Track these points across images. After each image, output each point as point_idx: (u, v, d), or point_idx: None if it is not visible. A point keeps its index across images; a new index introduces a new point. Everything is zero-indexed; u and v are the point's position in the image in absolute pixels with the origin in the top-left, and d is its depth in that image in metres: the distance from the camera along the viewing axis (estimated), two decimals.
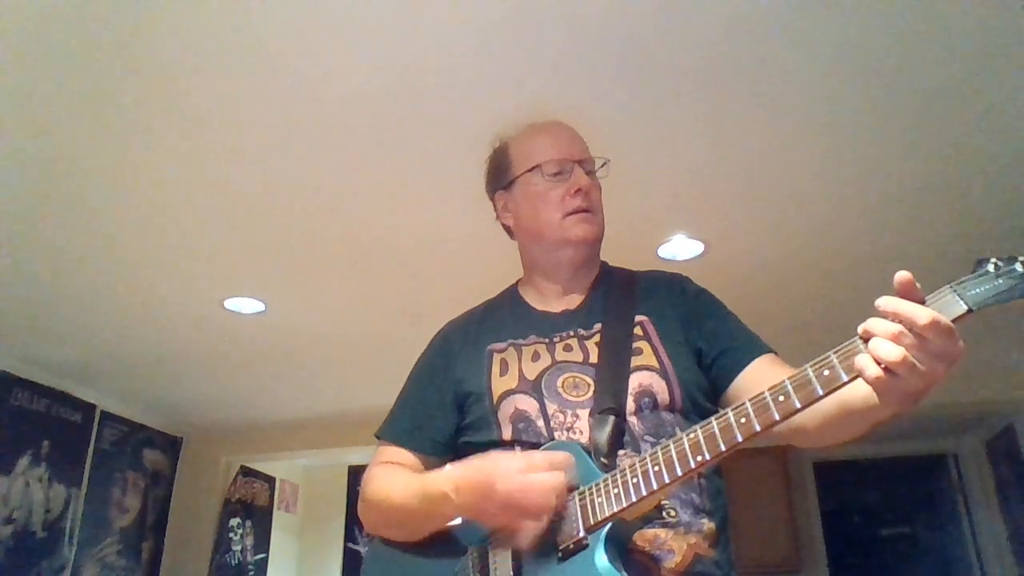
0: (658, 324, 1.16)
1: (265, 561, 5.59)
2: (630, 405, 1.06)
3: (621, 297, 1.21)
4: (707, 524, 1.03)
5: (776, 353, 1.13)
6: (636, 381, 1.08)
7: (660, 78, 1.99)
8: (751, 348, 1.13)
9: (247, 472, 5.42)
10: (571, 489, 0.96)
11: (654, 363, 1.11)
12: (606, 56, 1.91)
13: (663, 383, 1.09)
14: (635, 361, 1.10)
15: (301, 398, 4.59)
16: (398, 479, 1.14)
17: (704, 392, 1.13)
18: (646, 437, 1.05)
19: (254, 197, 2.47)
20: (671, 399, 1.08)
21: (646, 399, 1.07)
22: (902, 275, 0.79)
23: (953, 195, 2.56)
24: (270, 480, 5.76)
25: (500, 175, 1.29)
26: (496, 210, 1.31)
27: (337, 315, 3.43)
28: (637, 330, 1.15)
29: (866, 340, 0.79)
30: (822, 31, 1.83)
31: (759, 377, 1.06)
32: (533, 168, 1.22)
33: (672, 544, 0.99)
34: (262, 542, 5.59)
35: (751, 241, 2.86)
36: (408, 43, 1.85)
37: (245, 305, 3.26)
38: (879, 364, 0.77)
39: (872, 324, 0.79)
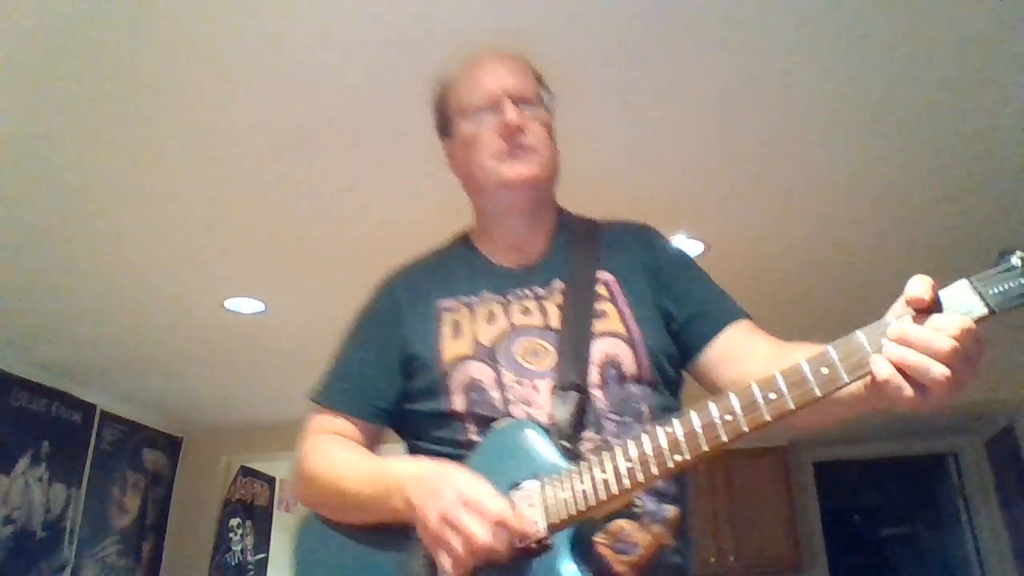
0: (624, 283, 1.06)
1: (265, 561, 5.59)
2: (594, 376, 0.96)
3: (583, 251, 1.10)
4: (672, 511, 0.95)
5: (751, 318, 1.04)
6: (600, 349, 0.98)
7: (661, 78, 1.99)
8: (725, 313, 1.04)
9: (247, 472, 5.42)
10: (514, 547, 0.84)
11: (620, 329, 1.01)
12: (607, 56, 1.91)
13: (630, 351, 0.99)
14: (599, 326, 1.00)
15: (301, 398, 4.53)
16: (349, 458, 1.04)
17: (672, 360, 1.04)
18: (610, 415, 0.95)
19: (254, 197, 2.47)
20: (639, 369, 0.98)
21: (611, 370, 0.97)
22: (919, 290, 0.71)
23: (953, 193, 2.56)
24: (270, 480, 5.76)
25: (441, 122, 1.18)
26: (447, 159, 1.20)
27: (337, 315, 3.40)
28: (601, 289, 1.04)
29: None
30: (823, 31, 1.83)
31: (734, 345, 1.00)
32: (464, 112, 1.11)
33: (636, 536, 0.91)
34: (262, 542, 5.59)
35: (751, 241, 2.87)
36: (410, 43, 1.85)
37: (245, 305, 3.26)
38: (909, 378, 0.70)
39: (913, 336, 0.70)
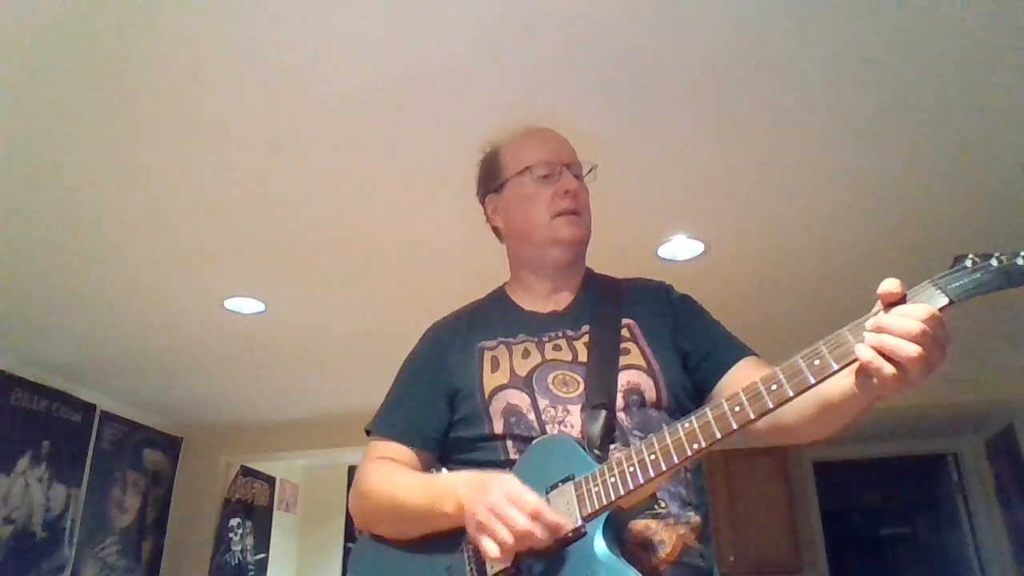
0: (644, 327, 1.20)
1: (265, 561, 5.59)
2: (619, 401, 1.09)
3: (607, 301, 1.24)
4: (694, 517, 1.06)
5: (759, 356, 1.17)
6: (624, 379, 1.12)
7: (661, 80, 1.99)
8: (735, 351, 1.18)
9: (247, 472, 5.42)
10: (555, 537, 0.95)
11: (641, 362, 1.14)
12: (608, 59, 1.91)
13: (650, 381, 1.12)
14: (623, 360, 1.14)
15: (301, 398, 4.59)
16: (402, 475, 1.15)
17: (688, 392, 1.16)
18: (635, 432, 1.08)
19: (254, 197, 2.48)
20: (658, 397, 1.12)
21: (634, 396, 1.11)
22: (889, 286, 0.84)
23: (953, 196, 2.56)
24: (270, 480, 5.76)
25: (491, 179, 1.33)
26: (487, 213, 1.35)
27: (337, 315, 3.43)
28: (624, 332, 1.18)
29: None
30: (822, 34, 1.83)
31: (743, 378, 1.09)
32: (523, 171, 1.27)
33: (663, 535, 1.02)
34: (262, 542, 5.59)
35: (751, 241, 2.87)
36: (410, 45, 1.85)
37: (245, 305, 3.26)
38: (890, 359, 0.80)
39: (887, 322, 0.81)
